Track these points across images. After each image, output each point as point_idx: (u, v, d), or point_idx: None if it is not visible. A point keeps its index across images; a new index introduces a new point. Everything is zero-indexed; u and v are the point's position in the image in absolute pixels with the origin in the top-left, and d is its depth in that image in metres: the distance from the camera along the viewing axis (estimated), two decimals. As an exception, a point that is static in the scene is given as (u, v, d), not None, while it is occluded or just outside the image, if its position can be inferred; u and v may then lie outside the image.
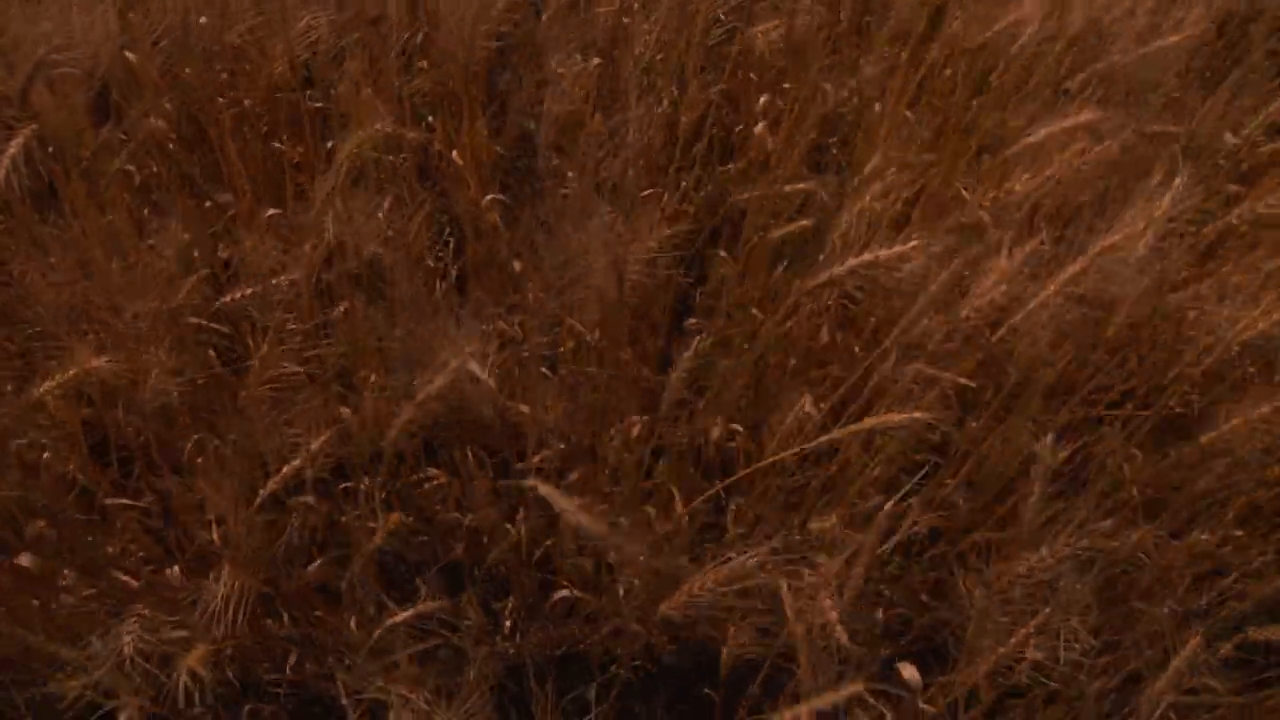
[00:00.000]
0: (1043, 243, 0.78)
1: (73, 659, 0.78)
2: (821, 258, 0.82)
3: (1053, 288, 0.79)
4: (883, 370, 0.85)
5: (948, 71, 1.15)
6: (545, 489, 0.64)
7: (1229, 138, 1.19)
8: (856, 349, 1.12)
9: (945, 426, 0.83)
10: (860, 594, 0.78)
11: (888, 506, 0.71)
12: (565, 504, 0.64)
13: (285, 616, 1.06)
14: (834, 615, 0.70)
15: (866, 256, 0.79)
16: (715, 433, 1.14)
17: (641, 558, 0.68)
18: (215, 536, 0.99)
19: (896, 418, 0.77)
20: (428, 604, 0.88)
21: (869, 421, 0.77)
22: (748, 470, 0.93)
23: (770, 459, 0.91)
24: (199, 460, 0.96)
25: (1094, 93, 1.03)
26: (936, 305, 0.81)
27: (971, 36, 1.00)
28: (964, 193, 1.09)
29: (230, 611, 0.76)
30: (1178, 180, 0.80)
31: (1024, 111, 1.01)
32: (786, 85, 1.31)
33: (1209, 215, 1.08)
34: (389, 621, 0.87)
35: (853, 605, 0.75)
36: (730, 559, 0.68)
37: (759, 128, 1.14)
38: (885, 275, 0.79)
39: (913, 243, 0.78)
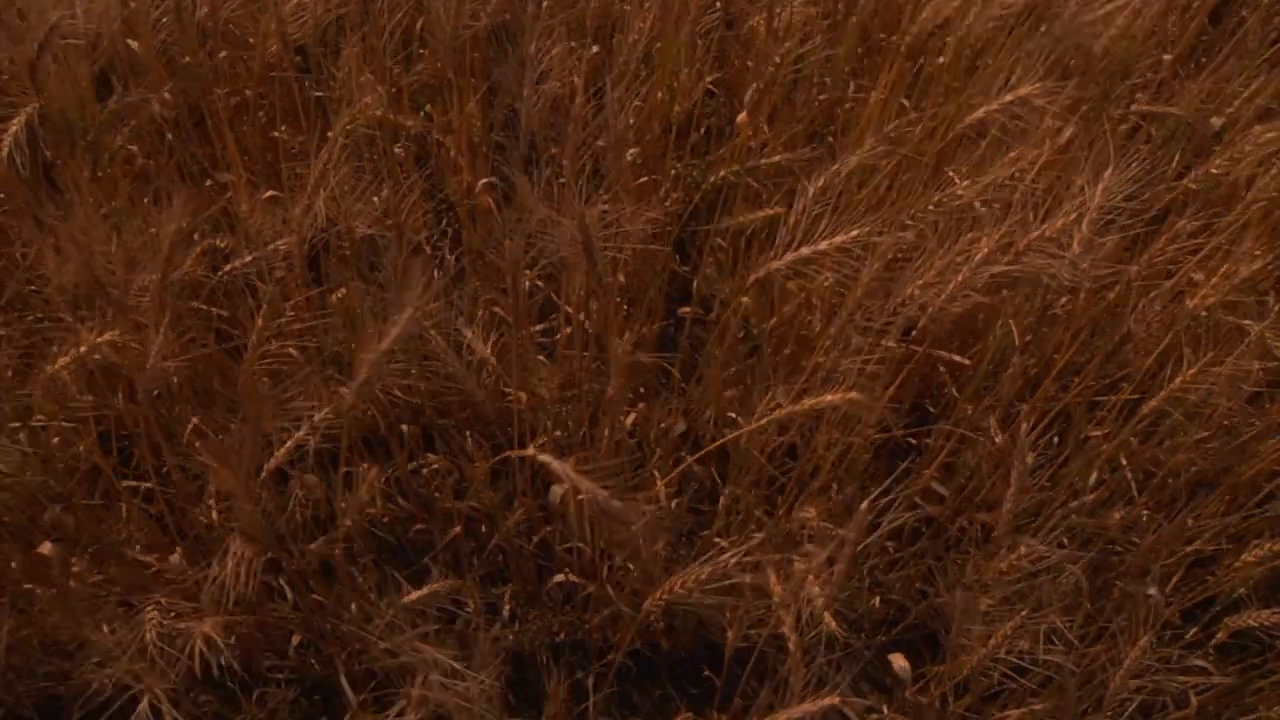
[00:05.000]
0: (976, 238, 0.79)
1: (100, 645, 0.79)
2: (770, 250, 0.83)
3: (962, 276, 0.79)
4: (821, 361, 0.86)
5: (938, 61, 1.15)
6: (544, 457, 0.65)
7: (1214, 121, 1.20)
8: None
9: (889, 413, 0.84)
10: (849, 583, 0.78)
11: (864, 505, 0.72)
12: (566, 471, 0.65)
13: (288, 597, 1.07)
14: (822, 602, 0.71)
15: (805, 250, 0.80)
16: (708, 414, 1.15)
17: (638, 531, 0.69)
18: (215, 518, 1.00)
19: (830, 398, 0.78)
20: (438, 584, 0.88)
21: (806, 402, 0.78)
22: (711, 447, 0.94)
23: (734, 435, 0.92)
24: (200, 441, 0.97)
25: (1060, 68, 1.02)
26: (868, 297, 0.82)
27: (933, 17, 1.00)
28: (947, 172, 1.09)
29: (241, 580, 0.77)
30: (1109, 171, 0.80)
31: (976, 85, 1.01)
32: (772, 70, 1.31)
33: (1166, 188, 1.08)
34: (404, 600, 0.88)
35: (840, 594, 0.76)
36: (716, 554, 0.69)
37: (741, 116, 1.15)
38: (824, 268, 0.80)
39: (853, 233, 0.79)
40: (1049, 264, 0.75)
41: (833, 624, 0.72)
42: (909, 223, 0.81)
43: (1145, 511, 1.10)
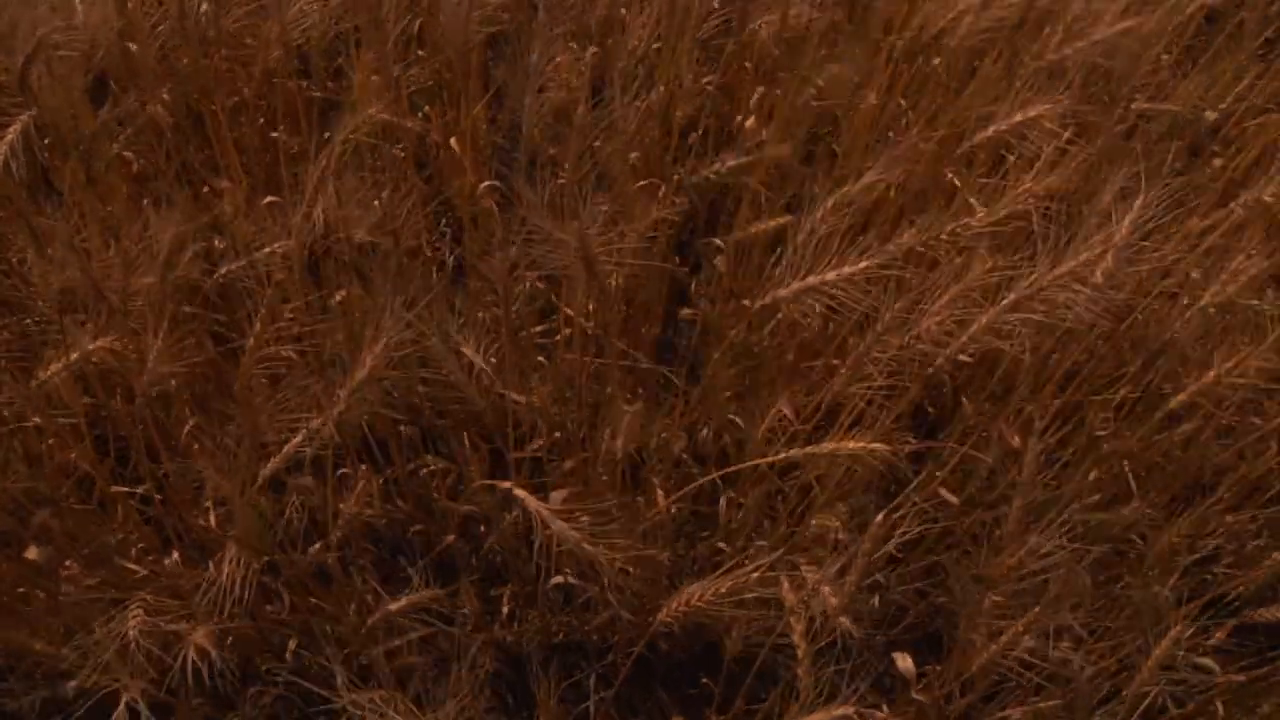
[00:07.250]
0: (993, 271, 0.77)
1: (73, 656, 0.78)
2: (777, 270, 0.82)
3: (984, 319, 0.77)
4: (833, 389, 0.85)
5: (933, 62, 1.14)
6: (526, 497, 0.64)
7: (1208, 114, 1.20)
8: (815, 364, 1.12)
9: (902, 452, 0.83)
10: (857, 589, 0.78)
11: (879, 517, 0.71)
12: (545, 511, 0.64)
13: (284, 601, 1.06)
14: (834, 602, 0.70)
15: (812, 280, 0.79)
16: (703, 431, 1.14)
17: (622, 567, 0.69)
18: (213, 521, 0.99)
19: (851, 446, 0.77)
20: (422, 593, 0.87)
21: (827, 446, 0.77)
22: (725, 470, 0.94)
23: (748, 464, 0.91)
24: (197, 445, 0.97)
25: (1071, 79, 1.02)
26: (886, 331, 0.81)
27: (933, 24, 0.99)
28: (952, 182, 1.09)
29: (237, 589, 0.76)
30: (1139, 200, 0.78)
31: (984, 99, 1.00)
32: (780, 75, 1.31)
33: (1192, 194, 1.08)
34: (388, 608, 0.87)
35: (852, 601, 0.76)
36: (728, 568, 0.68)
37: (750, 121, 1.14)
38: (831, 298, 0.79)
39: (863, 264, 0.78)
40: (1071, 298, 0.73)
41: (848, 625, 0.71)
42: (920, 250, 0.80)
43: (1150, 510, 1.10)
